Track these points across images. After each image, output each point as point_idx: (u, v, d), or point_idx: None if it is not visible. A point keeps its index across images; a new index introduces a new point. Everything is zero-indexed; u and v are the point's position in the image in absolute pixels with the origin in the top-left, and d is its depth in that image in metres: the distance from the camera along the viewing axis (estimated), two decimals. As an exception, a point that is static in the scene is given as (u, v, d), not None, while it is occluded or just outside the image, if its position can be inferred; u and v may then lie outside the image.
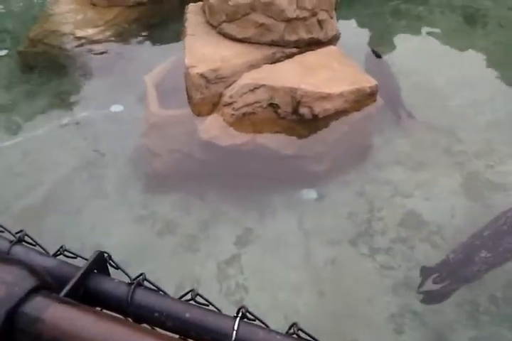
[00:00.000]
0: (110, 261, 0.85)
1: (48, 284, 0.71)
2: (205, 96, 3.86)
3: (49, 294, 0.70)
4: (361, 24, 5.81)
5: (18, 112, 4.70)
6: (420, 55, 5.20)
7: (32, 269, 0.70)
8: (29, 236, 0.89)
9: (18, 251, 0.86)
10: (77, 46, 5.29)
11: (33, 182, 3.95)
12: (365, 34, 5.60)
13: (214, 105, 3.86)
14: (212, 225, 3.61)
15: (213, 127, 3.72)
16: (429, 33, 5.63)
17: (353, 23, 5.75)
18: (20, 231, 0.92)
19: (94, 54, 5.28)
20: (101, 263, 0.84)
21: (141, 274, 0.83)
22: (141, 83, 4.30)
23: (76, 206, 3.75)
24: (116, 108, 4.70)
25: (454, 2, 6.33)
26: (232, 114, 3.67)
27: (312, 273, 3.17)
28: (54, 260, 0.84)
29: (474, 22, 5.95)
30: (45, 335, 0.68)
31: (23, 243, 0.91)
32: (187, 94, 3.98)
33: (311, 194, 3.75)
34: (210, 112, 3.84)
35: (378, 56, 5.06)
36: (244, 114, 3.66)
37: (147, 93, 4.10)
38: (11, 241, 0.88)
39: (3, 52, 5.49)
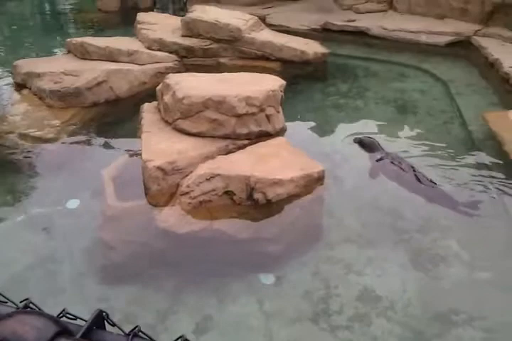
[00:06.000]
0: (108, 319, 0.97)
1: (68, 330, 0.83)
2: (162, 187, 4.03)
3: (69, 337, 0.82)
4: (306, 117, 6.35)
5: (-30, 211, 4.66)
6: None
7: (54, 319, 0.82)
8: (33, 303, 1.00)
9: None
10: (32, 146, 5.45)
11: (-17, 282, 3.84)
12: (309, 125, 6.11)
13: (171, 195, 4.03)
14: (171, 315, 3.58)
15: (171, 216, 3.85)
16: (366, 122, 6.20)
17: (298, 116, 6.27)
18: (26, 299, 1.03)
19: (49, 153, 5.43)
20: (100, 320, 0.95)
21: (136, 326, 0.94)
22: (96, 179, 4.44)
23: (31, 303, 3.65)
24: (71, 203, 4.73)
25: (387, 96, 7.08)
26: (189, 203, 3.83)
27: (276, 355, 3.17)
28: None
29: (406, 112, 6.63)
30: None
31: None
32: (144, 186, 4.14)
33: (268, 278, 3.83)
34: (167, 202, 3.99)
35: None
36: (201, 202, 3.84)
37: (104, 186, 4.22)
38: (17, 308, 0.99)
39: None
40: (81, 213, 4.59)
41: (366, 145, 5.53)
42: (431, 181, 4.77)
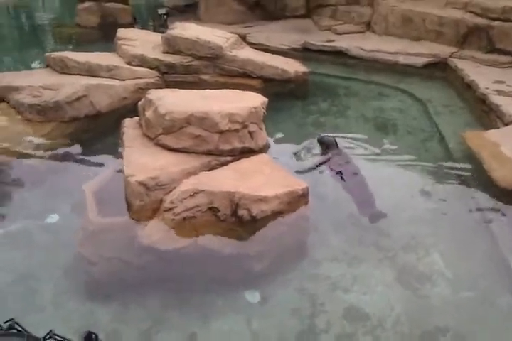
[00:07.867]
0: None
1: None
2: (145, 203, 3.96)
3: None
4: (287, 134, 6.38)
5: None
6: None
7: (35, 338, 0.77)
8: (18, 324, 0.95)
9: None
10: (10, 161, 5.32)
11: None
12: (291, 142, 6.14)
13: (154, 211, 3.96)
14: (155, 333, 3.49)
15: (154, 232, 3.78)
16: (346, 140, 6.26)
17: (280, 132, 6.31)
18: (11, 319, 0.98)
19: (28, 168, 5.30)
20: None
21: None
22: (76, 193, 4.35)
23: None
24: (51, 218, 4.64)
25: (366, 114, 7.19)
26: (173, 219, 3.77)
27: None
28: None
29: (385, 129, 6.73)
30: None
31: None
32: (126, 201, 4.06)
33: (254, 296, 3.78)
34: (150, 218, 3.91)
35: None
36: (184, 218, 3.78)
37: (86, 201, 4.13)
38: (1, 329, 0.93)
39: None
40: (61, 228, 4.50)
41: (324, 143, 5.92)
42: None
